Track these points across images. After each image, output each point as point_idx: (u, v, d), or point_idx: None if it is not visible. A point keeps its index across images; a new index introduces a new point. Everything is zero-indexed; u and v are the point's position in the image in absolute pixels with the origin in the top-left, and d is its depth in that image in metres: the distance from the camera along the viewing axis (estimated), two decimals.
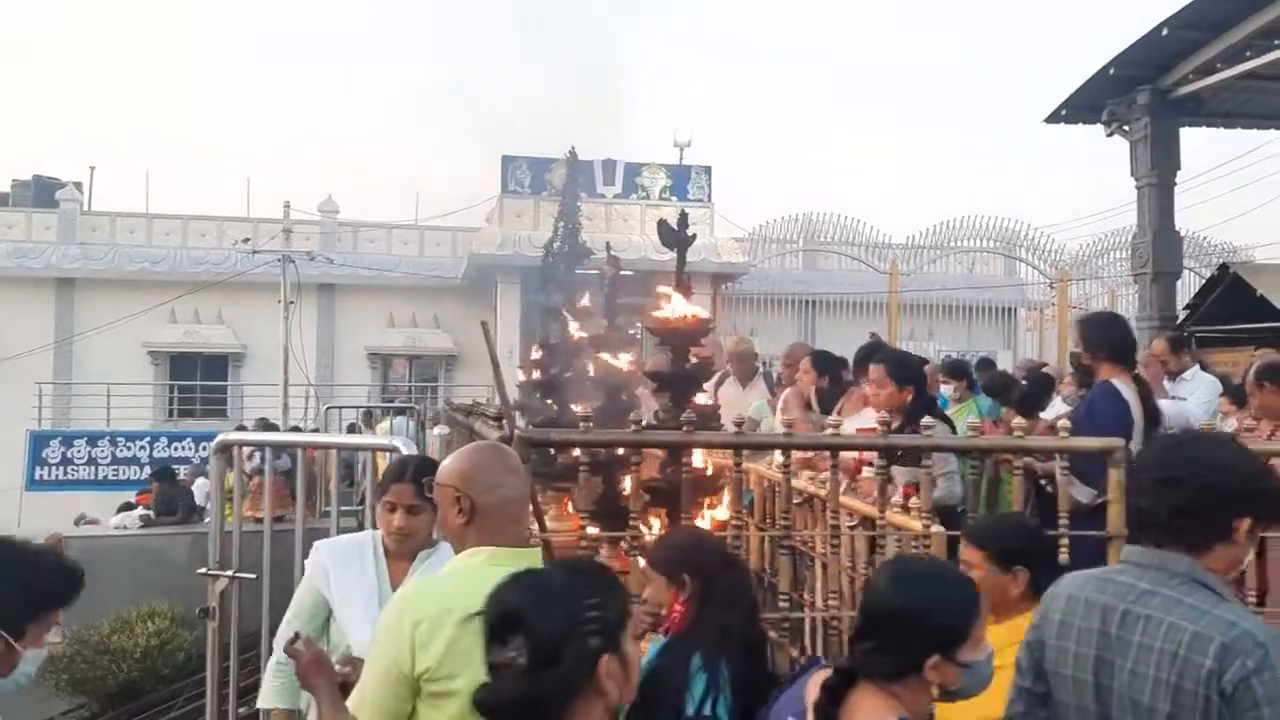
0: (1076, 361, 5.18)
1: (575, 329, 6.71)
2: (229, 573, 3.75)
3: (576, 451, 3.58)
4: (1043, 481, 4.42)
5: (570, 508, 5.24)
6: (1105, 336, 4.47)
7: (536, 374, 8.23)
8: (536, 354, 8.47)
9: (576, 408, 5.84)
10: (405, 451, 3.58)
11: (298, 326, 18.26)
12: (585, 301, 6.90)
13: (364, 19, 79.11)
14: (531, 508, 2.80)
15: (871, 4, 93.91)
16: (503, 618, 1.53)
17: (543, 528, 3.18)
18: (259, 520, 4.64)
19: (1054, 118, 12.58)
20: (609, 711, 1.55)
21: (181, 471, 13.12)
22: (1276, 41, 10.06)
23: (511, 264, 17.75)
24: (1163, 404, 5.66)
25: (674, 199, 18.01)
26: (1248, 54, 10.40)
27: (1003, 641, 2.20)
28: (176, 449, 16.29)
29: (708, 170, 18.85)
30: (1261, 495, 1.87)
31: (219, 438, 4.06)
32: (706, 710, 2.44)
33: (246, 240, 19.03)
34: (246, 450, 5.15)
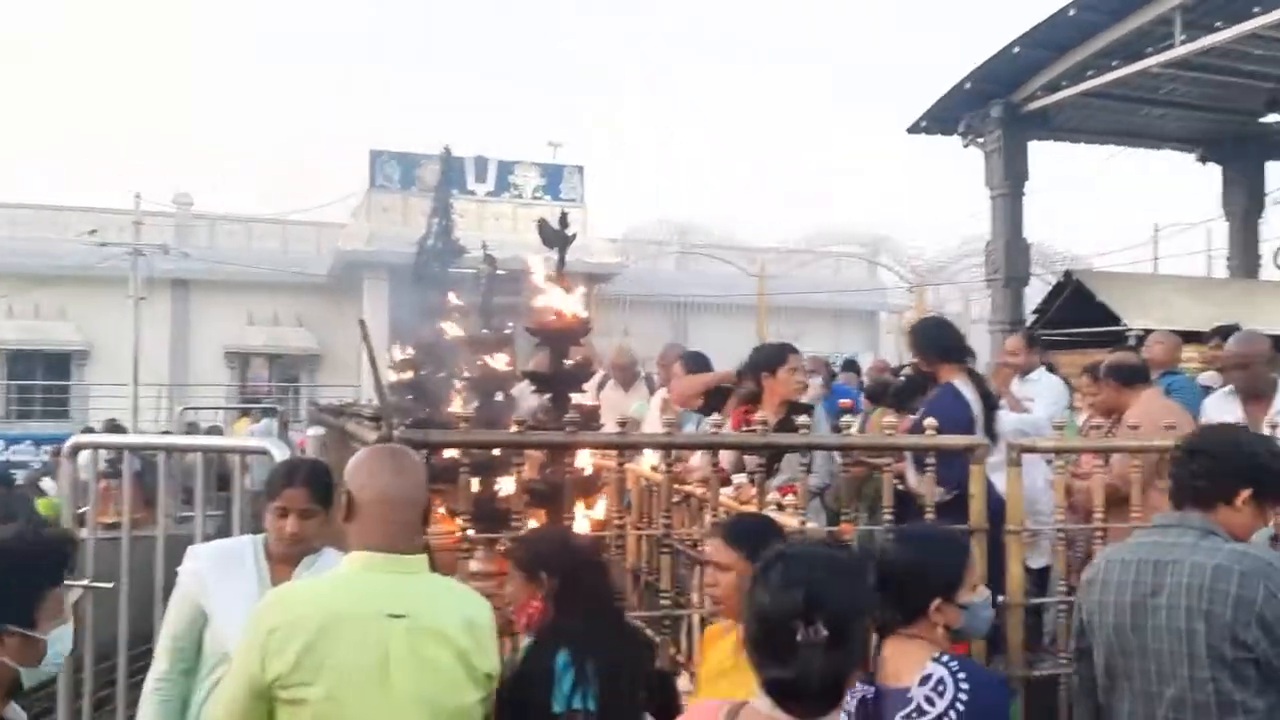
0: (916, 370, 5.41)
1: (450, 328, 6.63)
2: (84, 582, 3.54)
3: (450, 452, 3.52)
4: (895, 481, 4.60)
5: (444, 509, 5.16)
6: (935, 341, 4.71)
7: (408, 374, 8.09)
8: (407, 353, 8.33)
9: (453, 408, 5.77)
10: (277, 454, 3.45)
11: (149, 324, 17.39)
12: (460, 301, 6.81)
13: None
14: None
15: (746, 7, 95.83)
16: (809, 598, 1.56)
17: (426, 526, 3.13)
18: (109, 526, 4.40)
19: (915, 128, 13.11)
20: (852, 684, 1.66)
21: (19, 476, 12.31)
22: (1114, 63, 10.75)
23: (380, 261, 17.35)
24: (1005, 417, 5.93)
25: (547, 198, 17.95)
26: (1089, 73, 11.09)
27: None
28: (14, 452, 15.27)
29: (580, 170, 18.86)
30: (1263, 473, 2.34)
31: (71, 439, 3.82)
32: (576, 704, 2.53)
33: (93, 232, 17.99)
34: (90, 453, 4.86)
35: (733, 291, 19.54)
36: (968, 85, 11.93)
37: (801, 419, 3.65)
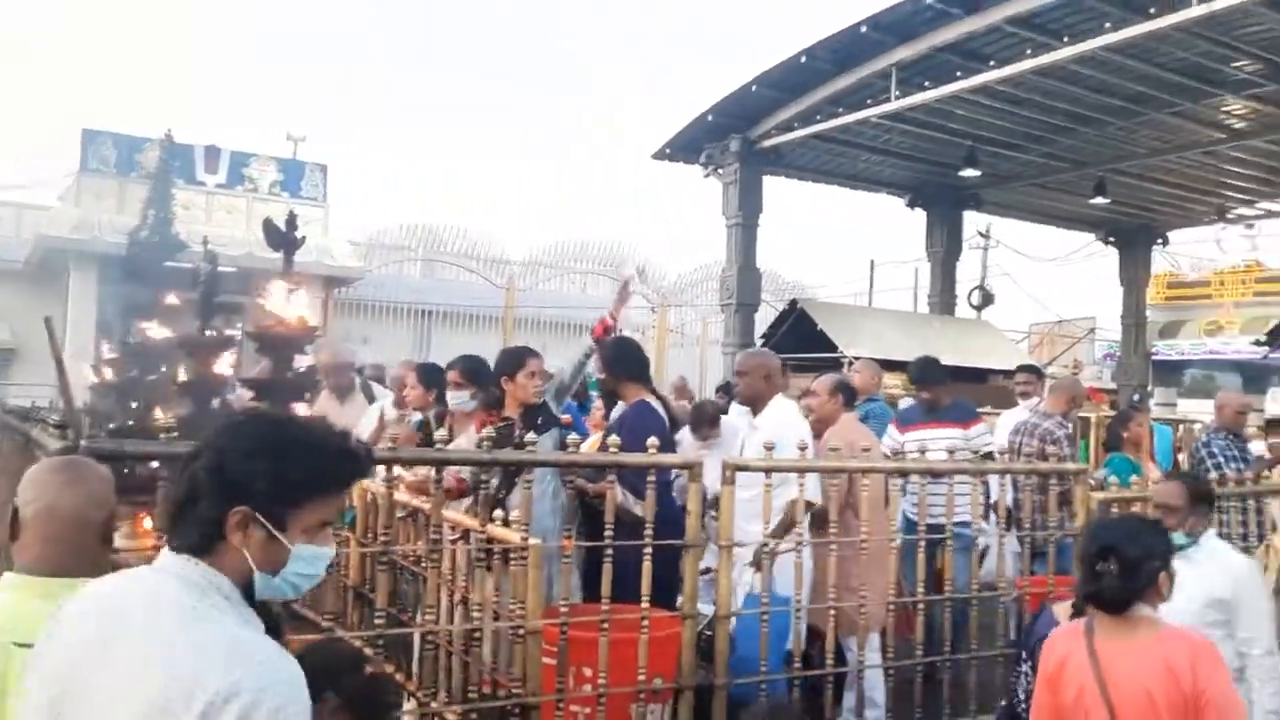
0: (604, 388, 5.66)
1: (163, 328, 6.13)
2: None
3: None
4: (594, 500, 4.73)
5: (147, 524, 4.77)
6: (625, 362, 4.95)
7: (112, 375, 7.42)
8: (113, 353, 7.64)
9: (160, 415, 5.34)
10: None
11: None
12: (176, 298, 6.32)
13: None
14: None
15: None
16: (1104, 545, 2.63)
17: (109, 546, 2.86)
18: None
19: (660, 155, 13.58)
20: (1161, 599, 2.63)
21: None
22: (839, 110, 11.63)
23: (89, 250, 15.79)
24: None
25: (285, 195, 17.03)
26: (818, 117, 11.94)
27: None
28: None
29: (323, 168, 18.05)
30: None
31: None
32: None
33: None
34: None
35: (478, 302, 19.38)
36: (710, 118, 12.50)
37: (528, 436, 3.68)
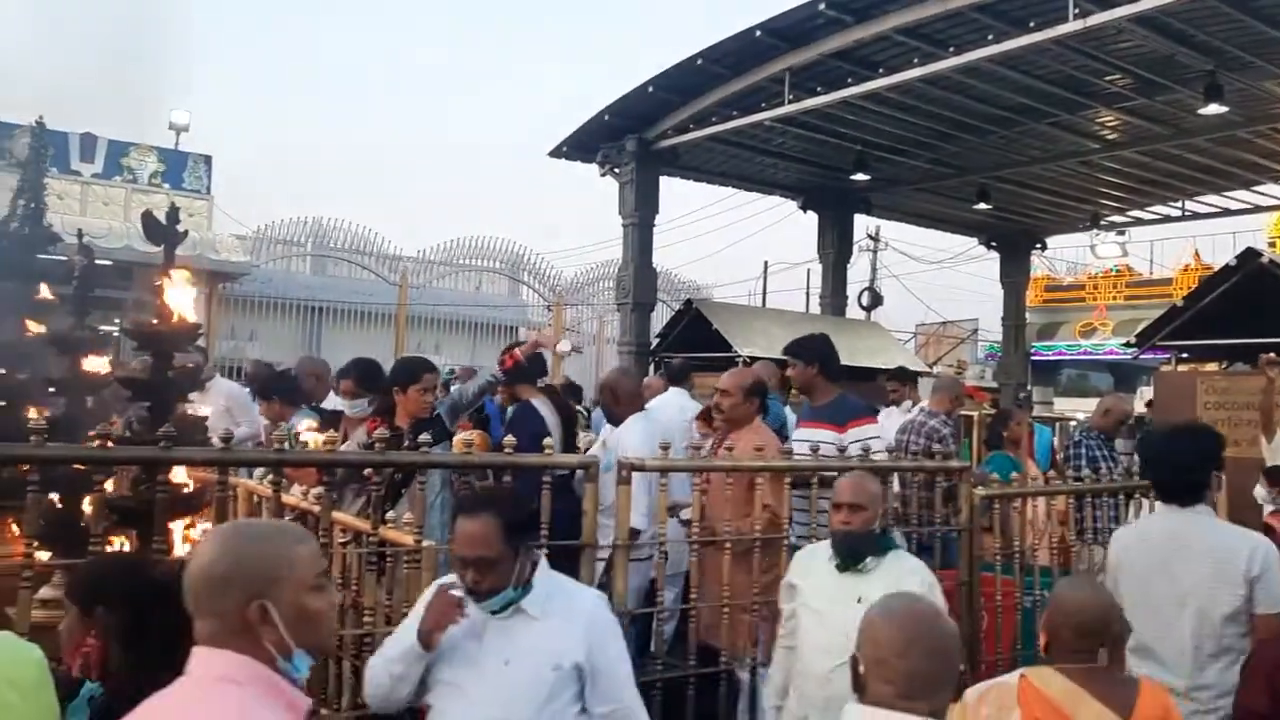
0: (507, 399, 5.83)
1: (35, 324, 5.82)
2: None
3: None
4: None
5: (16, 529, 4.53)
6: (514, 372, 5.11)
7: None
8: None
9: (33, 415, 5.08)
10: None
11: None
12: (50, 293, 6.00)
13: None
14: None
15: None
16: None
17: None
18: None
19: (556, 153, 13.54)
20: None
21: None
22: (734, 113, 11.80)
23: None
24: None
25: (167, 186, 16.37)
26: (713, 120, 12.08)
27: None
28: None
29: (208, 159, 17.39)
30: None
31: None
32: None
33: None
34: None
35: (371, 299, 18.99)
36: (606, 117, 12.52)
37: (423, 437, 3.62)
